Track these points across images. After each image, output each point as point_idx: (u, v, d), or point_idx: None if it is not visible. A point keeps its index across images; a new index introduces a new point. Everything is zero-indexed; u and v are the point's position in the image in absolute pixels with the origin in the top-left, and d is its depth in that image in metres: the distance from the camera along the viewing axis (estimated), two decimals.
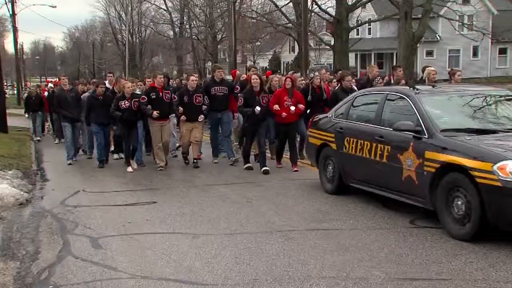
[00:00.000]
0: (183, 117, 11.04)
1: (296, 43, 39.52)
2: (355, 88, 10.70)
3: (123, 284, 5.09)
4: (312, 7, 31.33)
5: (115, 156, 12.52)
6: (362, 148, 7.65)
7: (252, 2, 45.64)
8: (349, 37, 29.79)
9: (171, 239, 6.42)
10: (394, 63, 28.88)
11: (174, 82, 18.41)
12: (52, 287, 5.10)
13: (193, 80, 11.13)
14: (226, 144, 11.69)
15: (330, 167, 8.48)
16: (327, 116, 8.90)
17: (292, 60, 45.05)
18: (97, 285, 5.09)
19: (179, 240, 6.34)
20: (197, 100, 11.00)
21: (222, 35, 48.42)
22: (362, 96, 8.55)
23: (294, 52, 49.05)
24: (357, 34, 43.76)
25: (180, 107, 10.96)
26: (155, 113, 10.76)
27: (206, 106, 11.07)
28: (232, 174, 10.24)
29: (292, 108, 10.17)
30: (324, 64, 36.42)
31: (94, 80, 14.92)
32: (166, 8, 54.51)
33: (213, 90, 11.34)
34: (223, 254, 5.81)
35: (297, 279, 5.04)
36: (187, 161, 11.46)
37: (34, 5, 53.22)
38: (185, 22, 53.94)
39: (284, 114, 10.16)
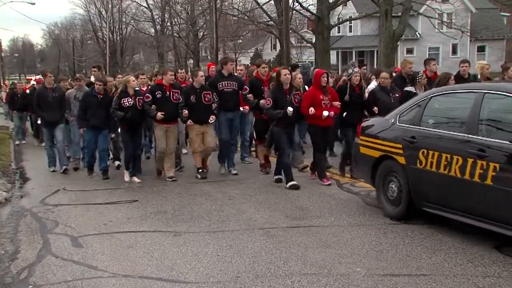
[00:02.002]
0: (189, 122, 9.46)
1: (277, 40, 39.54)
2: (396, 87, 9.31)
3: (104, 283, 5.06)
4: (293, 4, 31.34)
5: (116, 163, 11.03)
6: (449, 164, 5.95)
7: (234, 0, 45.59)
8: (330, 34, 29.83)
9: (152, 237, 6.40)
10: (375, 61, 29.10)
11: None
12: (32, 287, 5.06)
13: (201, 76, 9.63)
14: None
15: (394, 186, 6.82)
16: (386, 121, 7.24)
17: (274, 58, 45.02)
18: (77, 284, 5.05)
19: (161, 239, 6.32)
20: (206, 99, 9.43)
21: (204, 32, 48.32)
22: (441, 96, 6.72)
23: (275, 50, 49.07)
24: (338, 32, 44.02)
25: (185, 110, 9.32)
26: (159, 114, 9.25)
27: (216, 105, 9.55)
28: (214, 171, 10.22)
29: (326, 113, 8.63)
30: (305, 62, 36.47)
31: (78, 75, 13.05)
32: (147, 6, 54.25)
33: (221, 86, 9.72)
34: (205, 251, 5.80)
35: (279, 276, 5.06)
36: (202, 175, 9.63)
37: (12, 1, 52.46)
38: (166, 20, 53.72)
39: (326, 113, 8.61)
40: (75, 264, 5.56)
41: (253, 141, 10.93)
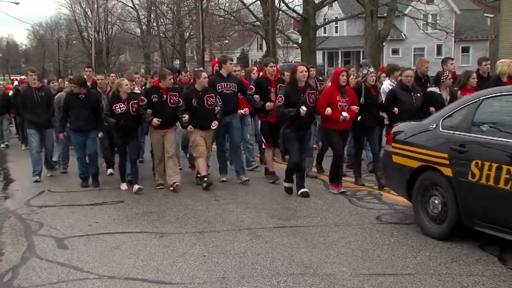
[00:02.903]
0: (190, 127, 8.74)
1: (264, 41, 39.63)
2: (417, 86, 8.70)
3: (89, 284, 5.03)
4: (279, 5, 31.47)
5: (109, 171, 10.33)
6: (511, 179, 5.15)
7: (220, 0, 45.57)
8: (317, 35, 29.98)
9: (138, 238, 6.37)
10: (361, 61, 29.24)
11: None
12: None
13: (204, 78, 8.80)
14: (235, 157, 9.50)
15: (437, 201, 6.03)
16: (424, 126, 6.46)
17: (260, 58, 45.08)
18: (62, 286, 5.02)
19: (147, 240, 6.30)
20: (208, 102, 8.71)
21: (190, 33, 48.21)
22: (495, 98, 5.86)
23: (262, 50, 49.14)
24: (324, 33, 44.18)
25: (185, 114, 8.64)
26: (155, 120, 8.55)
27: (219, 108, 8.79)
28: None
29: (345, 114, 7.99)
30: (292, 62, 36.58)
31: (72, 76, 12.02)
32: (133, 6, 54.01)
33: (220, 87, 9.05)
34: (191, 252, 5.79)
35: (265, 276, 5.07)
36: (207, 184, 8.75)
37: None
38: (152, 20, 53.49)
39: (344, 115, 7.95)
40: (60, 266, 5.51)
41: (263, 146, 9.91)
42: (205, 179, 8.76)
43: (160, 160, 8.97)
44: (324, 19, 35.25)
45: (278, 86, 9.02)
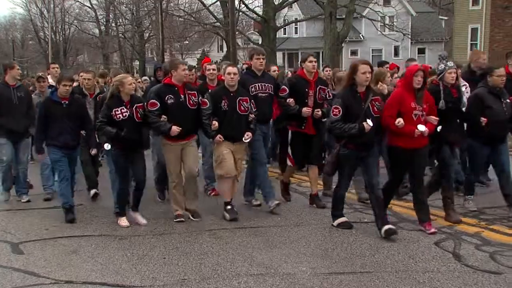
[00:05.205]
0: (219, 137, 6.87)
1: (224, 42, 39.56)
2: (505, 91, 6.87)
3: None
4: (239, 6, 31.51)
5: (93, 191, 8.28)
6: None
7: (179, 1, 45.29)
8: (277, 36, 30.19)
9: (97, 241, 6.27)
10: (321, 62, 29.54)
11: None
12: None
13: (235, 74, 6.93)
14: (264, 177, 7.40)
15: None
16: None
17: (220, 59, 45.02)
18: None
19: (106, 243, 6.21)
20: (242, 107, 6.89)
21: (150, 33, 47.76)
22: None
23: (222, 51, 49.04)
24: (284, 34, 44.47)
25: (214, 121, 6.82)
26: (175, 128, 6.63)
27: (254, 116, 7.01)
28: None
29: (422, 128, 5.98)
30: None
31: (41, 73, 9.28)
32: (90, 6, 53.13)
33: (253, 89, 7.26)
34: (151, 255, 5.74)
35: (226, 277, 5.07)
36: (232, 215, 6.96)
37: None
38: (111, 20, 52.77)
39: (422, 127, 5.96)
40: (15, 271, 5.37)
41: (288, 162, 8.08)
42: (229, 206, 7.01)
43: (177, 182, 7.01)
44: (284, 20, 35.54)
45: (318, 88, 7.27)
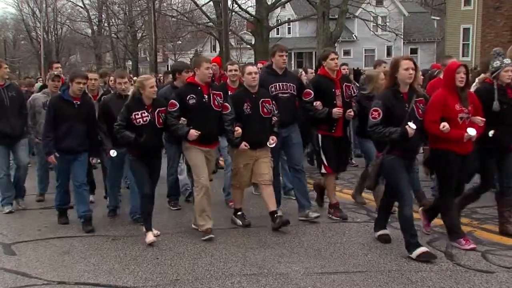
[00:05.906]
0: (244, 144, 6.29)
1: (217, 42, 39.53)
2: None
3: None
4: (232, 6, 31.49)
5: (90, 198, 7.69)
6: None
7: (172, 1, 45.24)
8: (270, 36, 30.21)
9: (90, 242, 6.26)
10: (314, 62, 29.67)
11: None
12: None
13: (256, 73, 6.39)
14: (298, 184, 6.92)
15: None
16: None
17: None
18: None
19: (99, 243, 6.20)
20: (265, 110, 6.38)
21: (142, 33, 47.71)
22: None
23: (215, 51, 48.96)
24: (277, 34, 44.50)
25: (237, 127, 6.22)
26: (193, 132, 6.05)
27: (277, 119, 6.48)
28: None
29: (473, 132, 5.40)
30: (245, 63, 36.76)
31: (54, 71, 8.30)
32: (83, 6, 53.01)
33: (273, 89, 6.64)
34: (144, 255, 5.73)
35: (219, 278, 5.07)
36: (243, 222, 6.72)
37: None
38: (103, 20, 52.66)
39: (473, 131, 5.38)
40: (6, 272, 5.36)
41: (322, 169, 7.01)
42: (239, 213, 6.77)
43: (205, 191, 6.27)
44: (277, 20, 35.58)
45: (344, 85, 6.80)
